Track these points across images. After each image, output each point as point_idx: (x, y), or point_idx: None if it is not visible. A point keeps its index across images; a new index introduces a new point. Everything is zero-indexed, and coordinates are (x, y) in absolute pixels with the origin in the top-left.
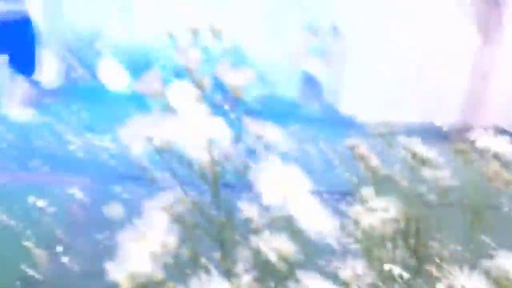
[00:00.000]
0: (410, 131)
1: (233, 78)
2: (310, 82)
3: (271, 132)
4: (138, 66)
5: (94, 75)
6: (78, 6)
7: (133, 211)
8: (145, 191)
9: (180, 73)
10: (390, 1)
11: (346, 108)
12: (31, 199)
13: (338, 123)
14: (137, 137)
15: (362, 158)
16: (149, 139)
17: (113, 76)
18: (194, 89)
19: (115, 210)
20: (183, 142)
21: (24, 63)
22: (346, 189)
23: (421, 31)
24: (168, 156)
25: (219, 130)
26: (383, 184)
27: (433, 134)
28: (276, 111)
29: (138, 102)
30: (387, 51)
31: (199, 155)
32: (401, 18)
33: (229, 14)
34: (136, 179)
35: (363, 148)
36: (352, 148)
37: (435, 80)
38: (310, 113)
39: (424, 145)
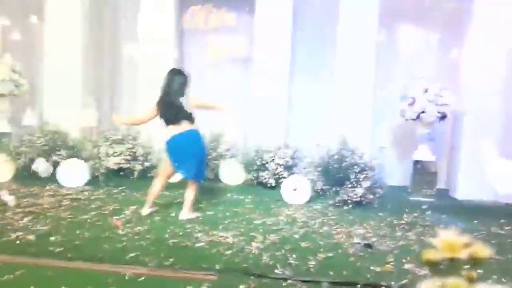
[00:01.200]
0: None
1: None
2: (421, 170)
3: None
4: (253, 164)
5: (216, 175)
6: (202, 118)
7: None
8: None
9: (291, 168)
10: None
11: (461, 194)
12: None
13: (453, 210)
14: None
15: None
16: None
17: (232, 175)
18: None
19: None
20: None
21: (200, 172)
22: None
23: None
24: None
25: None
26: None
27: None
28: (389, 200)
29: (254, 201)
30: (503, 130)
31: None
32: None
33: (340, 112)
34: (261, 276)
35: None
36: None
37: None
38: (424, 201)
39: None
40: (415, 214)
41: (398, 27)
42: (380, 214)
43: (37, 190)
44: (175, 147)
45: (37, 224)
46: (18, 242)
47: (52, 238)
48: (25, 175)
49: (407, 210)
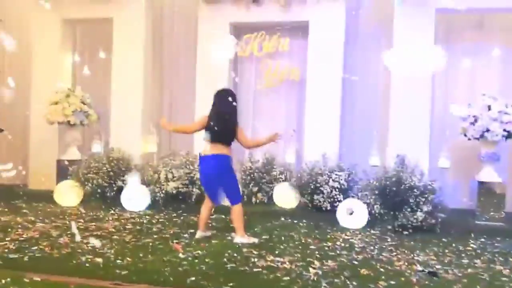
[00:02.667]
0: None
1: None
2: (487, 192)
3: None
4: (307, 188)
5: (270, 199)
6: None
7: None
8: None
9: (346, 191)
10: None
11: None
12: None
13: None
14: None
15: None
16: None
17: (286, 198)
18: None
19: None
20: None
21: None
22: None
23: None
24: None
25: None
26: None
27: None
28: (453, 225)
29: (310, 225)
30: None
31: None
32: None
33: (396, 132)
34: None
35: None
36: None
37: None
38: (491, 225)
39: None
40: (483, 240)
41: (458, 42)
42: (443, 239)
43: (102, 214)
44: (203, 172)
45: (103, 247)
46: (87, 264)
47: (118, 261)
48: (92, 200)
49: (473, 235)
